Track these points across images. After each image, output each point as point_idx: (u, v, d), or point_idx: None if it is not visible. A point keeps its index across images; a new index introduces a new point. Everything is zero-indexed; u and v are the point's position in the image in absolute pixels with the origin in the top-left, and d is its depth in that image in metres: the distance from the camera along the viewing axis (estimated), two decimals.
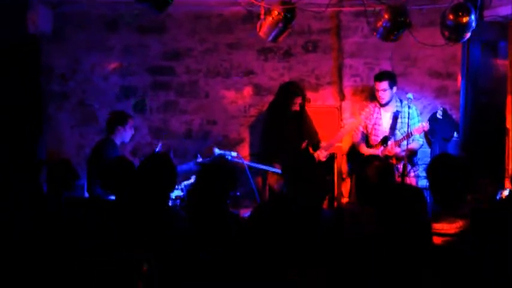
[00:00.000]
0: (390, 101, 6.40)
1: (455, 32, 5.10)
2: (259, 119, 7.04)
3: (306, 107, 6.64)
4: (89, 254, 3.30)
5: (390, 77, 6.38)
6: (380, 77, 6.38)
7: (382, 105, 6.43)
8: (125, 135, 6.04)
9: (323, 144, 6.51)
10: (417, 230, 3.16)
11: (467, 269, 3.09)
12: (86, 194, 5.90)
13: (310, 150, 6.47)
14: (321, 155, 6.38)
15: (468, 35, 5.14)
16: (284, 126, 6.46)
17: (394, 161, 6.17)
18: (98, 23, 7.05)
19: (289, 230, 3.61)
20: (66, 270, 3.29)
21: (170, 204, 5.72)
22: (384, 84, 6.31)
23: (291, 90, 6.51)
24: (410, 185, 5.17)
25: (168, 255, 3.23)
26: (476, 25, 5.13)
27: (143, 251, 3.20)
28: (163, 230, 3.30)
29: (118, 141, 6.02)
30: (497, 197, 4.85)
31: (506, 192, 4.82)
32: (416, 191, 3.48)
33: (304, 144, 6.45)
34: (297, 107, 6.45)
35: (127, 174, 4.00)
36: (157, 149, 6.11)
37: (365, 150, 6.47)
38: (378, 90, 6.36)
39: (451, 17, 5.05)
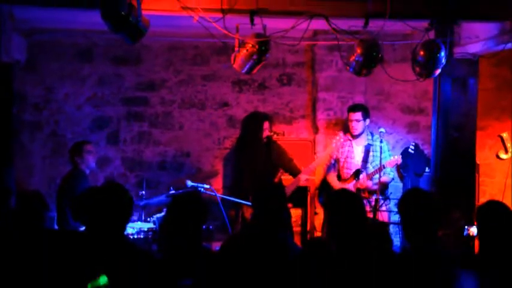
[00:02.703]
0: (362, 133, 6.45)
1: (426, 68, 5.18)
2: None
3: (275, 138, 6.66)
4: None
5: (364, 109, 6.46)
6: (354, 108, 6.47)
7: (354, 137, 6.48)
8: (87, 163, 6.00)
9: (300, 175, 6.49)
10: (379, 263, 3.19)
11: None
12: (56, 226, 5.78)
13: (286, 179, 6.46)
14: (302, 178, 6.37)
15: (438, 71, 5.23)
16: (255, 157, 6.42)
17: (366, 195, 6.19)
18: (72, 53, 7.00)
19: (258, 261, 3.59)
20: None
21: (142, 236, 5.70)
22: (358, 115, 6.38)
23: (257, 117, 6.54)
24: (374, 220, 5.21)
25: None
26: (447, 62, 5.22)
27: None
28: (118, 262, 3.21)
29: (86, 170, 5.97)
30: (465, 233, 4.85)
31: (473, 229, 4.80)
32: (379, 226, 3.52)
33: (277, 179, 6.46)
34: (267, 132, 6.47)
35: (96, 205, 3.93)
36: None
37: (336, 184, 6.48)
38: (352, 121, 6.41)
39: (421, 53, 5.13)
